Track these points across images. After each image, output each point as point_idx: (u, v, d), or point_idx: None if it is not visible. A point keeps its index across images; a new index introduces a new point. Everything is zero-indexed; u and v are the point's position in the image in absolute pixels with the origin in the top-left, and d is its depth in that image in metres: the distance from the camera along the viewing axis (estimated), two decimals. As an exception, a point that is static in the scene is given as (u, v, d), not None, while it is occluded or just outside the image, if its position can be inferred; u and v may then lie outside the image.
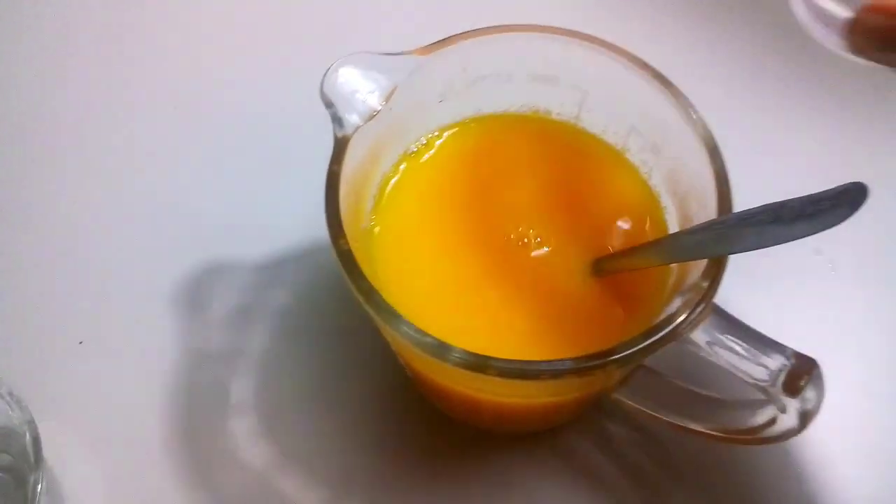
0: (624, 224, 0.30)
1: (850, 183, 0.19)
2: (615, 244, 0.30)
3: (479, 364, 0.23)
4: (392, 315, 0.24)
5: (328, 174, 0.26)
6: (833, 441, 0.33)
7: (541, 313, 0.28)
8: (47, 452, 0.30)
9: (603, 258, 0.29)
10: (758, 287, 0.35)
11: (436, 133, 0.32)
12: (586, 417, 0.34)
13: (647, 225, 0.30)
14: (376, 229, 0.30)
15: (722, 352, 0.24)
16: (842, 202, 0.19)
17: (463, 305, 0.29)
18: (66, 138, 0.42)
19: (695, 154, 0.27)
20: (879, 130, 0.43)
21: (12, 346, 0.36)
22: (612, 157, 0.32)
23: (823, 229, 0.20)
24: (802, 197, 0.20)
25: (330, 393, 0.35)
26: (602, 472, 0.33)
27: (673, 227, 0.30)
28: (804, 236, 0.20)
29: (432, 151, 0.32)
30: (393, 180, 0.31)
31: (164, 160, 0.42)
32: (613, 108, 0.31)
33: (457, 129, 0.33)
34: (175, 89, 0.44)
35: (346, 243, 0.25)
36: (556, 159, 0.32)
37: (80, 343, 0.36)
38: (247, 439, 0.34)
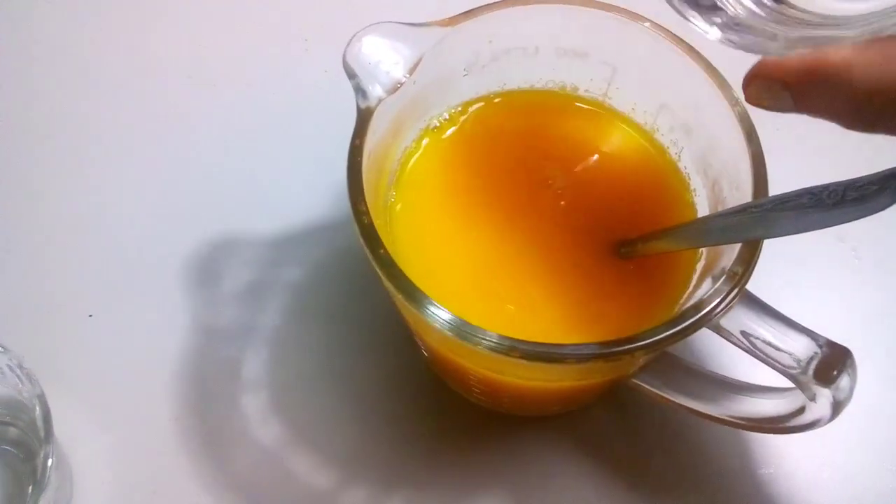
0: (651, 205, 0.30)
1: (894, 167, 0.18)
2: (642, 226, 0.29)
3: (506, 347, 0.22)
4: (412, 290, 0.23)
5: (351, 147, 0.25)
6: (856, 430, 0.33)
7: (565, 295, 0.28)
8: (56, 427, 0.30)
9: (630, 240, 0.28)
10: (781, 275, 0.35)
11: (459, 108, 0.31)
12: (603, 401, 0.33)
13: (676, 207, 0.29)
14: (398, 206, 0.30)
15: (753, 339, 0.24)
16: (887, 187, 0.18)
17: (485, 285, 0.28)
18: (77, 111, 0.41)
19: (730, 134, 0.26)
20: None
21: (22, 320, 0.35)
22: (640, 136, 0.31)
23: (866, 215, 0.19)
24: (845, 181, 0.20)
25: (342, 372, 0.34)
26: (616, 456, 0.33)
27: (703, 210, 0.29)
28: (846, 221, 0.20)
29: (455, 127, 0.31)
30: (415, 156, 0.31)
31: (179, 132, 0.41)
32: (645, 85, 0.30)
33: (482, 104, 0.32)
34: (192, 59, 0.43)
35: (369, 217, 0.24)
36: (583, 138, 0.31)
37: (90, 316, 0.35)
38: (257, 417, 0.33)
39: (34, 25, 0.44)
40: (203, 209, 0.38)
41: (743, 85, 0.21)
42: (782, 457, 0.33)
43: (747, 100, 0.22)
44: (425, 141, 0.31)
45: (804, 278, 0.37)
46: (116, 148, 0.40)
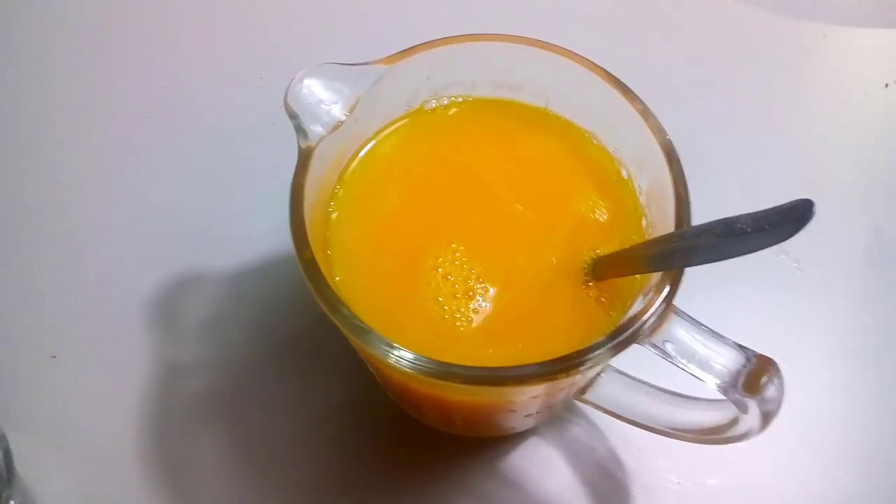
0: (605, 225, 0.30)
1: (797, 200, 0.20)
2: (587, 244, 0.29)
3: (445, 372, 0.23)
4: (358, 328, 0.24)
5: (293, 186, 0.26)
6: (795, 438, 0.34)
7: (509, 314, 0.28)
8: (20, 466, 0.30)
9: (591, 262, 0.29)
10: (724, 287, 0.36)
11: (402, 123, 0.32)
12: (555, 421, 0.34)
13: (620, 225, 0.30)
14: (334, 215, 0.30)
15: (682, 354, 0.25)
16: (789, 219, 0.20)
17: (420, 302, 0.28)
18: (32, 153, 0.42)
19: (654, 162, 0.27)
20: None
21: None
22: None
23: (774, 244, 0.21)
24: (752, 213, 0.21)
25: (301, 400, 0.35)
26: (571, 473, 0.34)
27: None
28: (756, 250, 0.21)
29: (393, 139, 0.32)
30: (353, 165, 0.31)
31: (135, 171, 0.41)
32: (575, 112, 0.31)
33: (424, 116, 0.32)
34: (148, 97, 0.44)
35: (311, 255, 0.25)
36: (525, 147, 0.32)
37: (54, 357, 0.36)
38: (219, 449, 0.34)
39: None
40: (162, 247, 0.39)
41: None
42: (729, 466, 0.34)
43: None
44: (365, 149, 0.31)
45: (749, 291, 0.38)
46: (74, 189, 0.41)
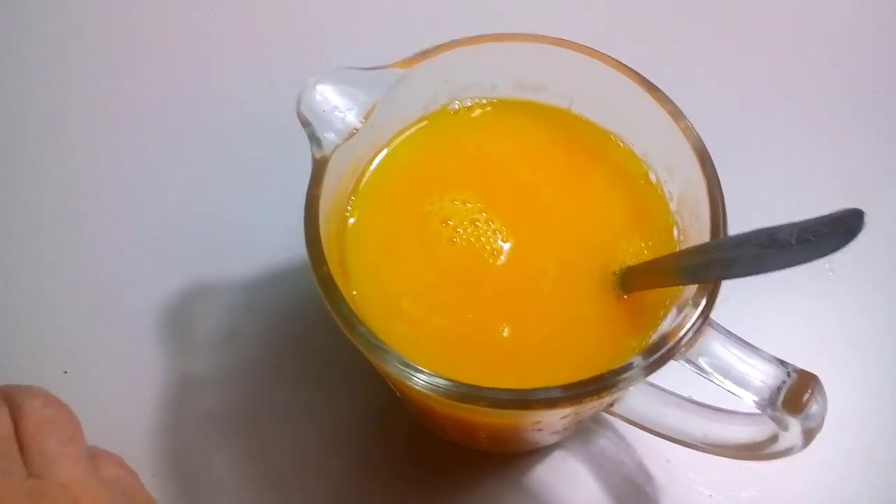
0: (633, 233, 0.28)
1: (846, 210, 0.18)
2: (615, 253, 0.28)
3: (470, 395, 0.22)
4: (375, 346, 0.23)
5: (307, 198, 0.25)
6: (833, 450, 0.33)
7: (536, 328, 0.27)
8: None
9: (620, 272, 0.27)
10: (750, 290, 0.35)
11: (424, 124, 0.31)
12: (581, 433, 0.33)
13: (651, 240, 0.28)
14: (350, 224, 0.29)
15: (718, 370, 0.23)
16: (838, 230, 0.18)
17: (443, 320, 0.27)
18: (42, 164, 0.41)
19: (686, 164, 0.26)
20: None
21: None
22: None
23: (820, 257, 0.19)
24: (797, 223, 0.20)
25: (318, 414, 0.34)
26: (599, 487, 0.32)
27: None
28: (800, 263, 0.20)
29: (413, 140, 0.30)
30: (369, 171, 0.30)
31: (145, 180, 0.41)
32: (600, 114, 0.30)
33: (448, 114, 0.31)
34: (159, 104, 0.43)
35: (328, 270, 0.24)
36: (548, 149, 0.30)
37: (65, 373, 0.35)
38: (234, 463, 0.33)
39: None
40: (172, 257, 0.38)
41: None
42: (763, 479, 0.32)
43: None
44: (381, 155, 0.30)
45: (780, 295, 0.37)
46: (84, 200, 0.40)
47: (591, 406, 0.26)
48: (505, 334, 0.26)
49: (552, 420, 0.26)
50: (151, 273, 0.37)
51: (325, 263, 0.24)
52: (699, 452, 0.28)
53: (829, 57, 0.45)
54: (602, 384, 0.22)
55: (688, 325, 0.23)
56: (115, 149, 0.41)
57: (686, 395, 0.28)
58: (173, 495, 0.32)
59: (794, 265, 0.20)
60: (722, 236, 0.24)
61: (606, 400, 0.24)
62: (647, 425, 0.29)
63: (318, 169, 0.25)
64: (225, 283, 0.37)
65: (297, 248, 0.38)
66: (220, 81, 0.44)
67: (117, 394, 0.35)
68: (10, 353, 0.36)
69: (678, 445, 0.29)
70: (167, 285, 0.37)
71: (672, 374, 0.25)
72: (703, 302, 0.23)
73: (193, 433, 0.34)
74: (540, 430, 0.28)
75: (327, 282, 0.24)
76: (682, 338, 0.23)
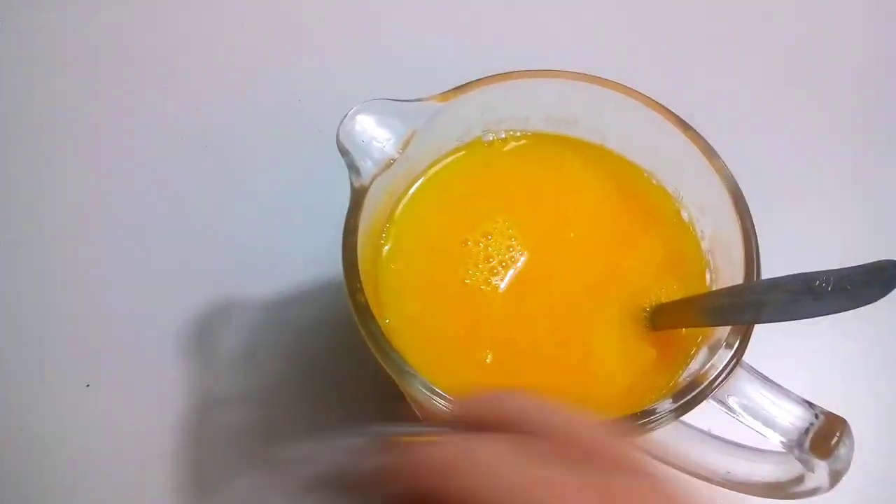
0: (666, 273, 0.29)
1: (885, 260, 0.18)
2: (646, 290, 0.28)
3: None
4: (407, 373, 0.23)
5: (346, 226, 0.25)
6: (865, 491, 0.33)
7: (566, 363, 0.27)
8: (52, 495, 0.30)
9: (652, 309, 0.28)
10: (780, 328, 0.34)
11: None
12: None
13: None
14: (385, 253, 0.29)
15: (747, 410, 0.24)
16: (875, 280, 0.18)
17: (475, 349, 0.27)
18: (67, 179, 0.41)
19: (718, 204, 0.26)
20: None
21: (22, 388, 0.35)
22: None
23: (855, 307, 0.19)
24: (834, 270, 0.20)
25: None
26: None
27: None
28: (834, 312, 0.20)
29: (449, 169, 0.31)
30: (404, 200, 0.30)
31: (170, 197, 0.41)
32: (633, 150, 0.30)
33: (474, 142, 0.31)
34: (184, 120, 0.43)
35: (365, 299, 0.24)
36: (581, 183, 0.31)
37: (88, 386, 0.35)
38: (257, 482, 0.33)
39: (25, 85, 0.45)
40: (196, 275, 0.38)
41: None
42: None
43: None
44: (417, 184, 0.30)
45: (800, 328, 0.37)
46: (107, 216, 0.40)
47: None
48: (537, 368, 0.26)
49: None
50: (175, 289, 0.37)
51: (362, 291, 0.24)
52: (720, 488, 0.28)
53: (872, 102, 0.45)
54: (632, 424, 0.22)
55: (720, 367, 0.23)
56: (141, 167, 0.42)
57: (705, 427, 0.29)
58: (194, 512, 0.32)
59: (827, 314, 0.20)
60: (755, 279, 0.24)
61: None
62: (670, 459, 0.30)
63: (357, 198, 0.26)
64: (248, 301, 0.37)
65: (319, 267, 0.39)
66: (246, 99, 0.44)
67: (139, 407, 0.35)
68: (34, 364, 0.36)
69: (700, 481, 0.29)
70: (191, 302, 0.37)
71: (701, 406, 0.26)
72: (737, 343, 0.23)
73: (215, 448, 0.34)
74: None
75: (363, 310, 0.24)
76: (714, 379, 0.23)
